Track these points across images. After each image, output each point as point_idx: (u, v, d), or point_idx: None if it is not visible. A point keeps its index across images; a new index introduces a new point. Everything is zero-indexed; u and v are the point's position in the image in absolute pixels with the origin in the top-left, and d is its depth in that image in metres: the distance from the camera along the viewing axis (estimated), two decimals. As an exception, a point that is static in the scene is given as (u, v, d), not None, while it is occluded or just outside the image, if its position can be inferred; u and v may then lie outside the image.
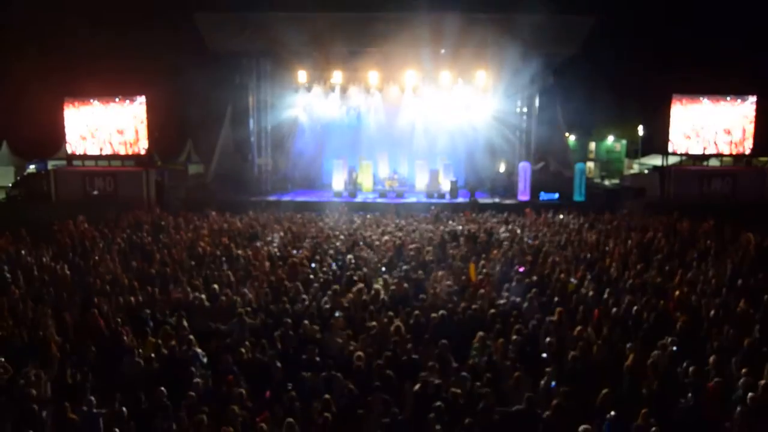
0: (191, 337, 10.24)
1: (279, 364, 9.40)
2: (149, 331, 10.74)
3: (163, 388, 8.26)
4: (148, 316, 11.40)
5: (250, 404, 8.39)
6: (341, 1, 27.88)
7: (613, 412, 7.81)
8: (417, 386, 8.62)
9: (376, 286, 13.34)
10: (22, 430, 7.74)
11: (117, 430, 7.57)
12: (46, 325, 10.77)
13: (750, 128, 29.16)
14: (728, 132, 29.28)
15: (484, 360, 9.57)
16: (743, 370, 8.60)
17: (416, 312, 11.40)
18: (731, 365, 9.03)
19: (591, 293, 12.51)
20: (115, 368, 9.42)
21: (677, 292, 12.42)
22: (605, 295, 12.33)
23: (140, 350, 9.87)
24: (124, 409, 7.92)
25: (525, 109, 32.18)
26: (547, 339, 10.14)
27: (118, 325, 10.76)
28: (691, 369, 8.61)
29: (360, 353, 9.56)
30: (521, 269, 14.39)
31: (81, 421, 7.90)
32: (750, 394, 7.87)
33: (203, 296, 12.52)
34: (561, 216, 23.06)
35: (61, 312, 11.47)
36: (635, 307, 11.46)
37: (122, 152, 29.56)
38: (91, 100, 29.41)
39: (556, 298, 12.27)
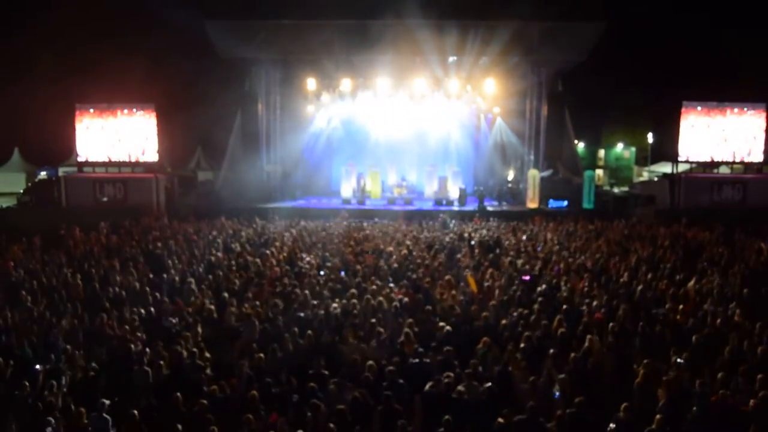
0: (202, 344, 10.30)
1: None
2: (162, 339, 10.74)
3: (178, 394, 8.28)
4: (164, 324, 11.43)
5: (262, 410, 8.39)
6: (350, 8, 27.98)
7: (612, 425, 7.77)
8: (428, 385, 8.65)
9: (384, 294, 13.31)
10: None
11: None
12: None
13: (761, 135, 29.02)
14: (739, 139, 29.14)
15: (496, 369, 9.54)
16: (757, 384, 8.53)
17: (425, 321, 11.41)
18: (738, 378, 8.92)
19: (596, 302, 12.42)
20: (126, 375, 9.44)
21: (685, 302, 12.33)
22: (613, 304, 12.25)
23: (151, 358, 9.89)
24: (135, 412, 7.95)
25: (534, 116, 32.14)
26: (551, 351, 10.07)
27: (128, 332, 10.80)
28: (697, 382, 8.53)
29: (370, 362, 9.56)
30: (526, 278, 14.33)
31: (91, 425, 7.94)
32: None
33: (213, 304, 12.57)
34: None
35: (72, 319, 11.55)
36: (643, 317, 11.40)
37: (132, 159, 29.71)
38: (102, 107, 29.59)
39: (564, 306, 12.21)
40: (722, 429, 7.85)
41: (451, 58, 29.41)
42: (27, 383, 8.72)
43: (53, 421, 7.85)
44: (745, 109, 29.08)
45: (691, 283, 13.65)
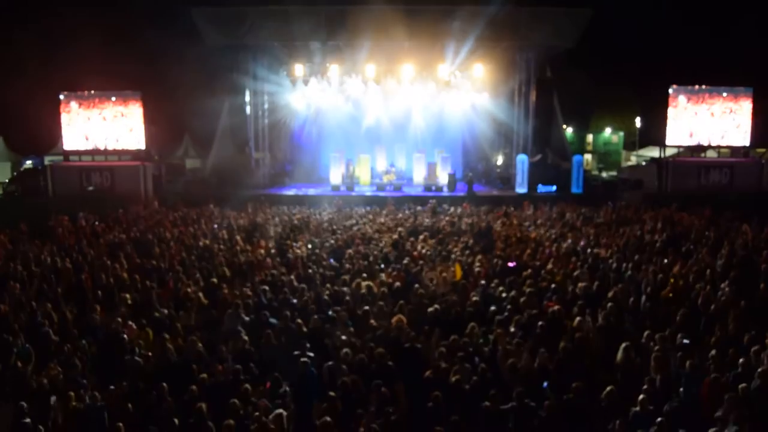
0: (192, 332, 10.29)
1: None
2: (152, 327, 10.70)
3: (164, 384, 8.26)
4: (152, 312, 11.40)
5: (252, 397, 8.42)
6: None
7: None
8: (428, 372, 8.70)
9: (374, 280, 13.34)
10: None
11: (121, 424, 7.55)
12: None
13: (748, 119, 29.20)
14: (726, 123, 29.30)
15: (486, 350, 9.61)
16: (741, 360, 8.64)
17: (415, 305, 11.45)
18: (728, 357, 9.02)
19: (584, 284, 12.48)
20: (116, 363, 9.41)
21: (673, 283, 12.43)
22: (601, 286, 12.35)
23: (141, 346, 9.88)
24: (129, 405, 7.93)
25: (522, 102, 32.16)
26: (540, 323, 10.16)
27: (119, 320, 10.76)
28: (687, 363, 8.60)
29: (360, 345, 9.61)
30: (511, 264, 14.38)
31: (85, 414, 7.93)
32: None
33: (202, 291, 12.55)
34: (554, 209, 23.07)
35: (61, 307, 11.50)
36: (632, 299, 11.52)
37: (119, 147, 29.52)
38: (88, 95, 29.35)
39: (552, 286, 12.30)
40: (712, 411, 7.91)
41: (441, 44, 29.28)
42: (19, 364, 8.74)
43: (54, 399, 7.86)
44: (733, 93, 29.21)
45: (677, 266, 13.75)
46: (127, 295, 12.10)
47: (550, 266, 14.31)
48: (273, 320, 10.79)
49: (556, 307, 10.97)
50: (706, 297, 11.30)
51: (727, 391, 7.84)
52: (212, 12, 29.14)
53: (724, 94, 29.22)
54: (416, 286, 12.53)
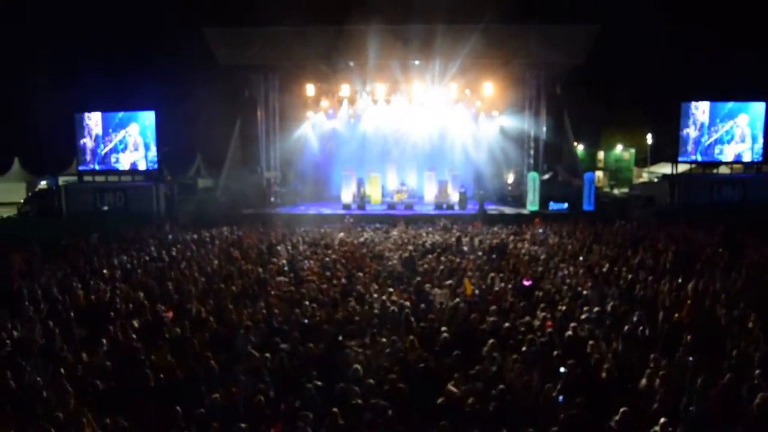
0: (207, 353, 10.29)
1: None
2: (165, 348, 10.71)
3: (178, 408, 8.24)
4: (164, 332, 11.42)
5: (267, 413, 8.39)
6: (348, 14, 28.04)
7: None
8: (441, 399, 8.64)
9: (386, 299, 13.30)
10: None
11: None
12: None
13: (761, 134, 29.06)
14: (738, 138, 29.19)
15: (494, 370, 9.53)
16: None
17: (427, 325, 11.41)
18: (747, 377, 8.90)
19: (597, 307, 12.38)
20: (128, 383, 9.41)
21: (688, 303, 12.30)
22: (614, 307, 12.24)
23: (154, 366, 9.88)
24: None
25: (533, 119, 32.18)
26: (555, 352, 10.06)
27: (132, 340, 10.79)
28: (699, 381, 8.50)
29: (371, 365, 9.57)
30: (527, 282, 14.30)
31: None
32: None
33: (213, 312, 12.56)
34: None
35: (73, 328, 11.56)
36: (646, 320, 11.40)
37: (132, 167, 29.81)
38: (101, 115, 29.70)
39: (563, 308, 12.21)
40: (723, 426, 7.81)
41: (450, 62, 29.42)
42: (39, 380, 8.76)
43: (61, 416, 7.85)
44: (745, 108, 29.10)
45: (691, 284, 13.61)
46: (135, 321, 12.13)
47: (564, 287, 14.21)
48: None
49: (570, 330, 10.87)
50: (726, 319, 11.17)
51: (733, 396, 7.76)
52: (224, 32, 29.49)
53: (737, 109, 29.11)
54: (428, 311, 12.48)
